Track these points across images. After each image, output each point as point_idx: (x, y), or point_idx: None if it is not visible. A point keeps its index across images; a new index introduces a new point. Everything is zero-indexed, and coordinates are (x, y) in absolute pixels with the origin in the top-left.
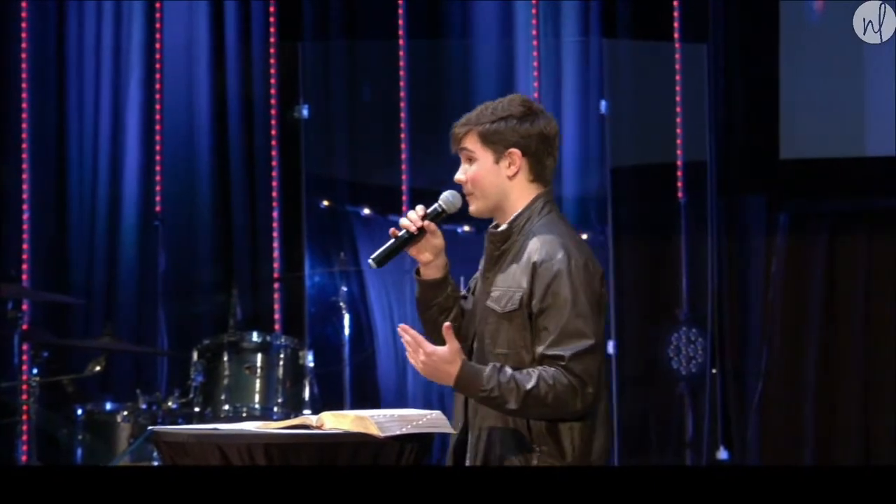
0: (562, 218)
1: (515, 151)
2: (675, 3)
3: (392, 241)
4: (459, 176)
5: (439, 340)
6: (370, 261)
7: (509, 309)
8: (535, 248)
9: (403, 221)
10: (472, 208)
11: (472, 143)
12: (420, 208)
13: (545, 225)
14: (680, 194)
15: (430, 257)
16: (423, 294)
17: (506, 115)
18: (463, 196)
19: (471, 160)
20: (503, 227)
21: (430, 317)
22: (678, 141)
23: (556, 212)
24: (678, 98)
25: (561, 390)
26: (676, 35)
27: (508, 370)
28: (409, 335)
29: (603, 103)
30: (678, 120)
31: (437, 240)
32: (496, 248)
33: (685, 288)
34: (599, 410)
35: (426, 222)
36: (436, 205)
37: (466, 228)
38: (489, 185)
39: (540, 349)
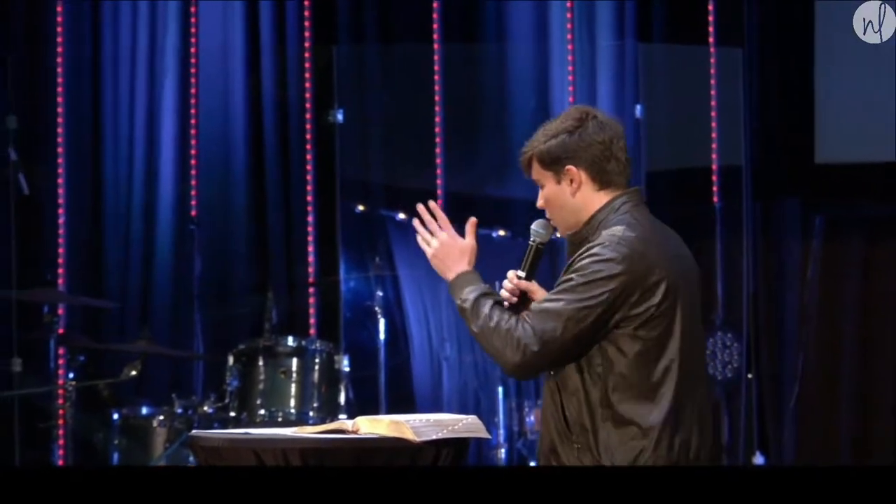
0: (640, 211)
1: (571, 168)
2: (710, 7)
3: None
4: (538, 203)
5: None
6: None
7: None
8: (592, 243)
9: (504, 294)
10: (559, 232)
11: (535, 170)
12: (511, 273)
13: (617, 221)
14: (715, 198)
15: None
16: None
17: (556, 133)
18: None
19: (541, 185)
20: (579, 230)
21: None
22: (713, 145)
23: (637, 208)
24: (713, 102)
25: (511, 336)
26: (711, 39)
27: (491, 300)
28: (439, 217)
29: (638, 107)
30: (713, 124)
31: (536, 294)
32: (574, 251)
33: (721, 292)
34: (649, 403)
35: (524, 284)
36: (529, 241)
37: (501, 233)
38: (560, 206)
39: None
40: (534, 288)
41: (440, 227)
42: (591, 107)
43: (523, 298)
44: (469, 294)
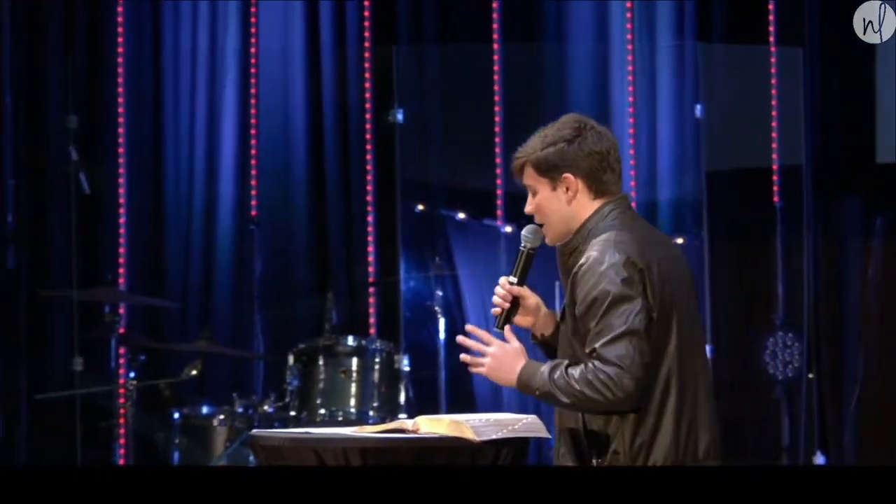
0: (629, 216)
1: (568, 176)
2: (771, 7)
3: (498, 318)
4: (527, 208)
5: None
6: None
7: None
8: (586, 254)
9: (495, 300)
10: (547, 238)
11: (529, 175)
12: (503, 279)
13: (606, 227)
14: (776, 198)
15: (531, 320)
16: (547, 353)
17: (554, 141)
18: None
19: (533, 191)
20: (570, 239)
21: None
22: (774, 145)
23: (625, 213)
24: (774, 102)
25: (597, 381)
26: (772, 38)
27: (560, 369)
28: (478, 334)
29: (698, 107)
30: (774, 124)
31: (529, 300)
32: (566, 261)
33: (781, 292)
34: (652, 408)
35: (516, 290)
36: (520, 247)
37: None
38: (552, 213)
39: (586, 349)
40: (526, 293)
41: (485, 344)
42: (585, 116)
43: (515, 304)
44: (540, 378)
